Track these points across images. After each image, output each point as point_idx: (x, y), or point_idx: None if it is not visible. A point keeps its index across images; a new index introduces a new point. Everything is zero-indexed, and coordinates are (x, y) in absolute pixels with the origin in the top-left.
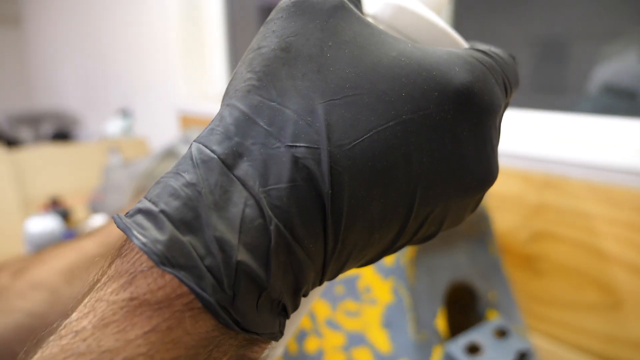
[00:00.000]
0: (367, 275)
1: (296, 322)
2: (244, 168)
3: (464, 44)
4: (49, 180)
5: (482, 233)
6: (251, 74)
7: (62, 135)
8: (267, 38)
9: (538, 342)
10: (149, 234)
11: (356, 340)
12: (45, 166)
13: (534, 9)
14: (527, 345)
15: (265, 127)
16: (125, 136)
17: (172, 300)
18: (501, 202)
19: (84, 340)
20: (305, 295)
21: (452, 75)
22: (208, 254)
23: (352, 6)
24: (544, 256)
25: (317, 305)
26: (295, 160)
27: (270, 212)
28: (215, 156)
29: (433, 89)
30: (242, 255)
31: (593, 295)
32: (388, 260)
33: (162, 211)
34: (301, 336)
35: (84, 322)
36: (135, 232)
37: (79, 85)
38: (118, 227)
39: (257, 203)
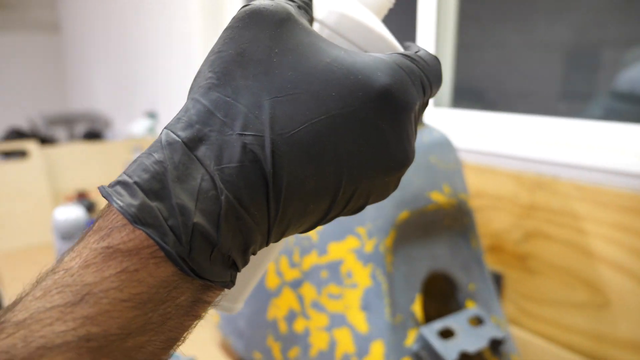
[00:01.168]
0: (349, 262)
1: (256, 277)
2: (202, 150)
3: (397, 46)
4: (78, 175)
5: (464, 227)
6: (212, 73)
7: (94, 135)
8: (226, 43)
9: (529, 339)
10: (125, 200)
11: (338, 321)
12: (74, 162)
13: (540, 16)
14: (502, 334)
15: (222, 118)
16: (149, 136)
17: (139, 249)
18: (495, 201)
19: (71, 275)
20: (254, 254)
21: (375, 78)
22: (171, 216)
23: (297, 17)
24: (535, 255)
25: (304, 289)
26: (244, 146)
27: (222, 185)
28: (180, 140)
29: (358, 90)
30: (198, 219)
31: (582, 294)
32: (368, 247)
33: (136, 182)
34: (291, 317)
35: (72, 263)
36: (114, 198)
37: (110, 89)
38: (101, 194)
39: (212, 178)
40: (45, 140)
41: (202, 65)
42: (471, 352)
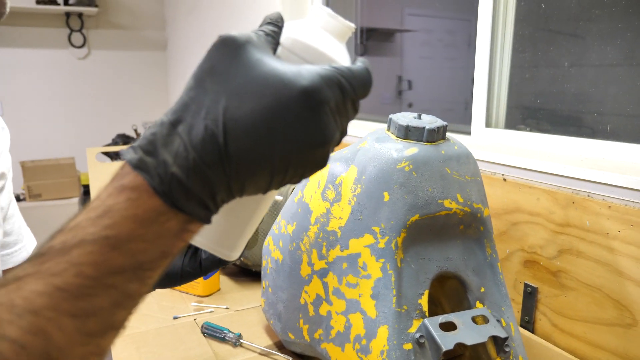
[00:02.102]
0: (365, 255)
1: (246, 231)
2: (180, 128)
3: (338, 61)
4: None
5: (479, 233)
6: (193, 80)
7: None
8: (204, 60)
9: (560, 356)
10: (131, 156)
11: (353, 306)
12: None
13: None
14: (504, 334)
15: (194, 108)
16: None
17: (139, 186)
18: (532, 216)
19: (101, 200)
20: (224, 202)
21: (297, 82)
22: (158, 166)
23: (255, 41)
24: (568, 271)
25: (329, 278)
26: (206, 125)
27: (190, 149)
28: (167, 120)
29: (285, 90)
30: (175, 169)
31: (611, 313)
32: (381, 244)
33: (139, 145)
34: (317, 302)
35: (103, 194)
36: (126, 155)
37: None
38: (120, 153)
39: (184, 145)
40: None
41: (191, 74)
42: (468, 344)
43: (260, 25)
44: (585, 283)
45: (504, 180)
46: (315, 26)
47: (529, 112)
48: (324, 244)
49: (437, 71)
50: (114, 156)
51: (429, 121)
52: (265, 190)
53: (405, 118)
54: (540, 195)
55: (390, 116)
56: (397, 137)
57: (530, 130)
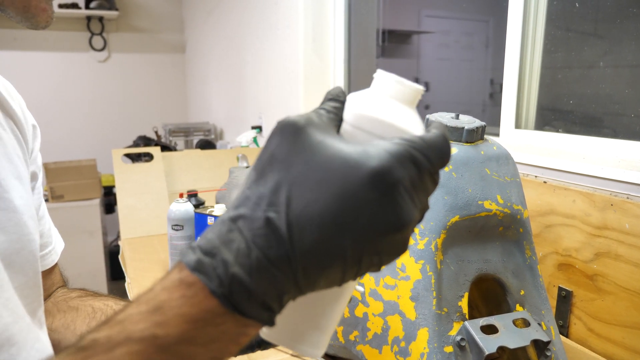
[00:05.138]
0: (404, 256)
1: (329, 325)
2: (241, 223)
3: (410, 130)
4: (191, 177)
5: (518, 235)
6: (253, 172)
7: (207, 144)
8: (263, 150)
9: (594, 358)
10: (189, 258)
11: (391, 308)
12: (189, 166)
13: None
14: (546, 338)
15: (255, 200)
16: (253, 145)
17: (196, 285)
18: (567, 219)
19: (155, 294)
20: (293, 299)
21: (364, 163)
22: (217, 267)
23: (315, 122)
24: (605, 275)
25: (365, 279)
26: (267, 218)
27: (253, 246)
28: (227, 217)
29: (351, 174)
30: (236, 269)
31: None
32: (420, 245)
33: (198, 245)
34: (353, 304)
35: (157, 286)
36: (185, 257)
37: (224, 104)
38: (180, 255)
39: (246, 241)
40: (165, 148)
41: (252, 164)
42: (511, 348)
43: (322, 103)
44: (623, 287)
45: (538, 182)
46: (381, 95)
47: (560, 113)
48: None
49: (454, 73)
50: (135, 158)
51: (468, 121)
52: (339, 283)
53: (443, 118)
54: (577, 197)
55: (427, 116)
56: None
57: (561, 132)
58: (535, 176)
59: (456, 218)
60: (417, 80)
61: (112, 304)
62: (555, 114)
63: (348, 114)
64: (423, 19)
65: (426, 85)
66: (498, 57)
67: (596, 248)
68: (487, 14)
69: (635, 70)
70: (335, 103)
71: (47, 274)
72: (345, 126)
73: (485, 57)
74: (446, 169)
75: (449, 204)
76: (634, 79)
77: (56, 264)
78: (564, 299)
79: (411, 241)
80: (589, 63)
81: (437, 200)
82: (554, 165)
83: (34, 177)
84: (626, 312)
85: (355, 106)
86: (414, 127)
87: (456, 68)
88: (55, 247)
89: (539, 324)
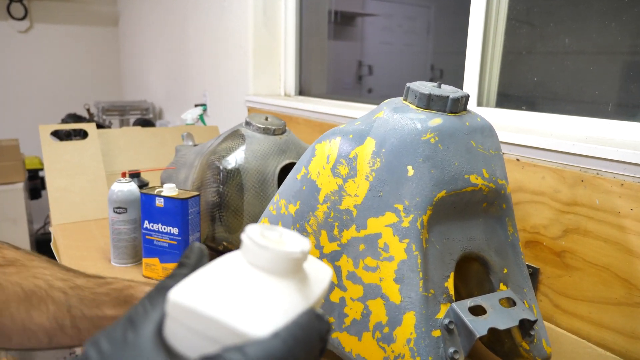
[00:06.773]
0: (387, 236)
1: None
2: None
3: (251, 330)
4: (130, 156)
5: (501, 211)
6: None
7: (145, 123)
8: None
9: (563, 336)
10: None
11: (373, 292)
12: (128, 145)
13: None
14: (533, 318)
15: None
16: (198, 125)
17: None
18: (535, 196)
19: None
20: None
21: None
22: None
23: (124, 342)
24: (573, 251)
25: (341, 261)
26: None
27: None
28: None
29: None
30: None
31: (619, 292)
32: (405, 223)
33: None
34: (329, 289)
35: None
36: None
37: (162, 82)
38: None
39: None
40: (100, 127)
41: None
42: (501, 329)
43: (176, 267)
44: (591, 262)
45: (508, 158)
46: (240, 266)
47: (522, 90)
48: (336, 224)
49: (397, 57)
50: (63, 137)
51: (451, 90)
52: None
53: (426, 87)
54: (546, 174)
55: (408, 84)
56: (417, 106)
57: (524, 109)
58: (503, 153)
59: (442, 193)
60: (360, 64)
61: (50, 278)
62: (518, 92)
63: (172, 304)
64: (367, 0)
65: (370, 68)
66: (438, 43)
67: (565, 225)
68: (429, 0)
69: (595, 55)
70: (172, 279)
71: None
72: (169, 322)
73: (426, 42)
74: (432, 140)
75: (435, 178)
76: (596, 64)
77: None
78: (531, 277)
79: (395, 219)
80: (552, 42)
81: (423, 174)
82: (522, 142)
83: None
84: (593, 287)
85: (186, 291)
86: (268, 318)
87: (398, 52)
88: None
89: (523, 303)
